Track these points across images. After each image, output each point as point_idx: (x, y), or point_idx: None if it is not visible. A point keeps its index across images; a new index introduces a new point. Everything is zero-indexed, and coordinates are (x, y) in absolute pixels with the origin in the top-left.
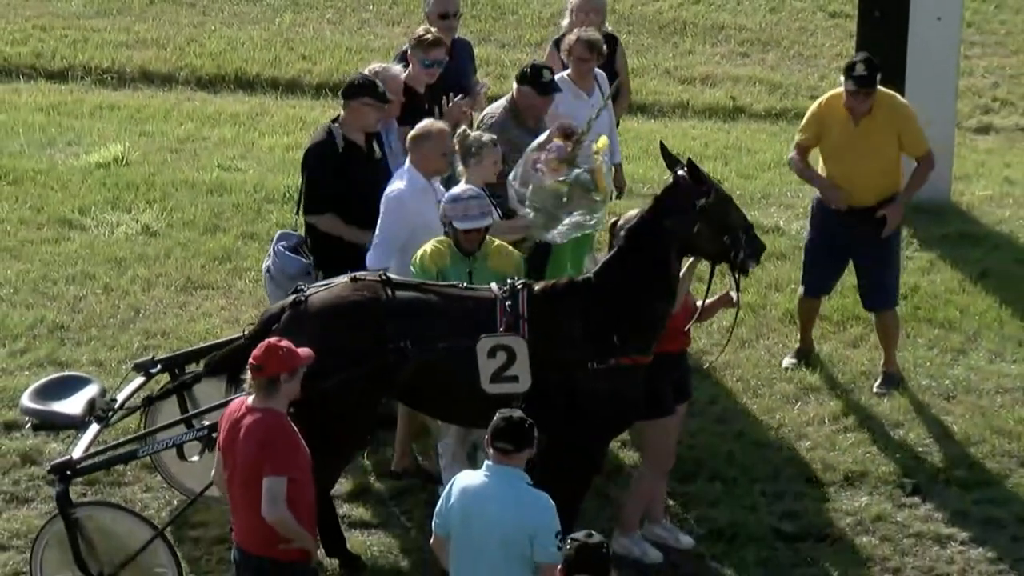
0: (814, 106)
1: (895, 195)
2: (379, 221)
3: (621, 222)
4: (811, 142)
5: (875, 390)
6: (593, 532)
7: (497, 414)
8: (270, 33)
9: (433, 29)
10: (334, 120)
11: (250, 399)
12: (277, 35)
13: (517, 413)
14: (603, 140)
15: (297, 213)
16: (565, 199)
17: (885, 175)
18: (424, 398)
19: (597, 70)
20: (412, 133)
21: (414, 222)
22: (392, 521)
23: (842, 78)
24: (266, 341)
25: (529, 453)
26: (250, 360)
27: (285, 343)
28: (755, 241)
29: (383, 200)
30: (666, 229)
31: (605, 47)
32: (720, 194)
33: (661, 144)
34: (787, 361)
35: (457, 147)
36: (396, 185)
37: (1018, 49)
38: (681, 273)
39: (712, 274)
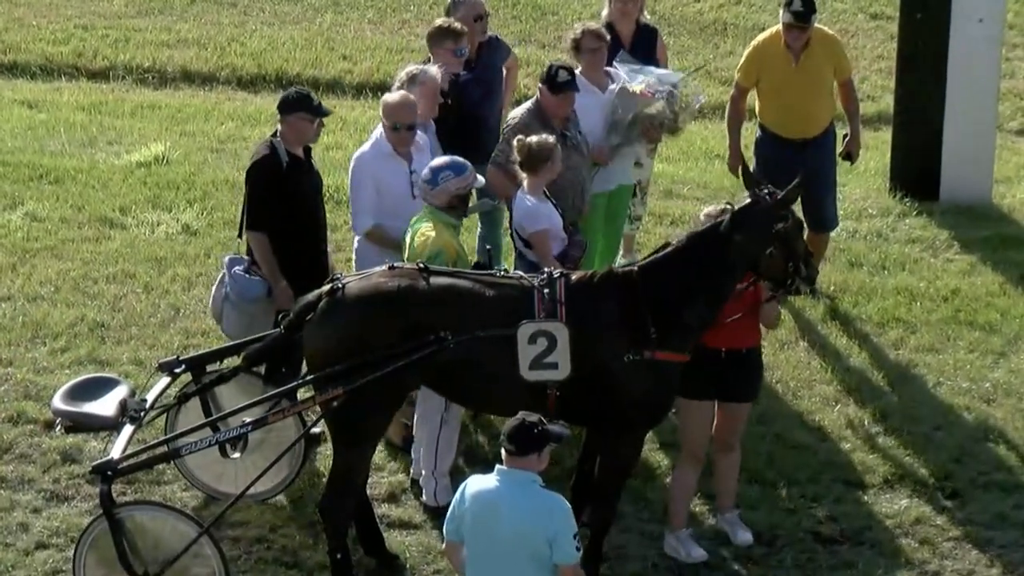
0: (751, 49)
1: (832, 120)
2: None
3: (702, 217)
4: (751, 83)
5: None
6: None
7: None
8: (311, 33)
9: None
10: (273, 134)
11: None
12: (318, 35)
13: (532, 417)
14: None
15: (240, 236)
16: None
17: (827, 105)
18: (458, 386)
19: (607, 67)
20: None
21: None
22: (431, 522)
23: (781, 12)
24: None
25: (536, 458)
26: None
27: None
28: (812, 269)
29: None
30: (736, 243)
31: (609, 36)
32: (796, 220)
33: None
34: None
35: (520, 156)
36: None
37: None
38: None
39: (777, 298)
